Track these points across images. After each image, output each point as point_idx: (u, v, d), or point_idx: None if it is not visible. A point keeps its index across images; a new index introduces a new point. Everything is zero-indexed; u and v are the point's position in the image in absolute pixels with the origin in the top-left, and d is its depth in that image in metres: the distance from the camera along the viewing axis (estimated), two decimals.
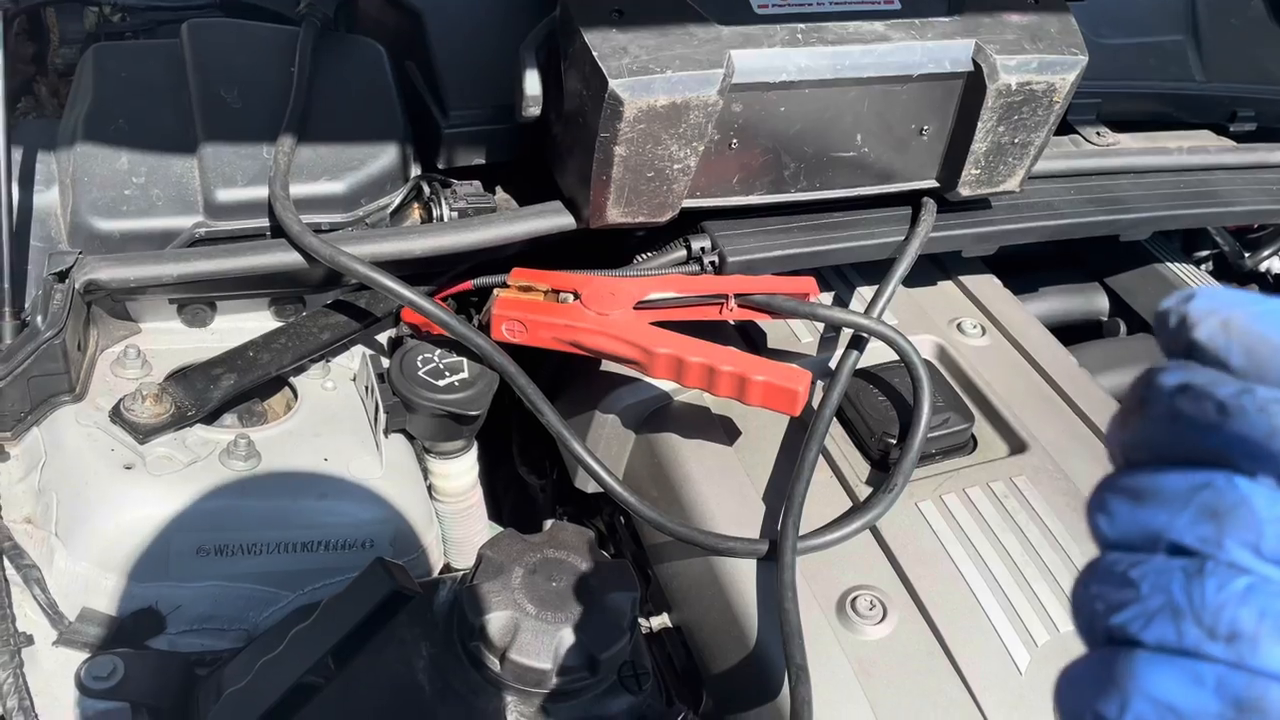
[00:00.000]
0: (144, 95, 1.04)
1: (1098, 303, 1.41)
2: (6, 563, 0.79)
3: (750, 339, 1.10)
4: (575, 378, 1.10)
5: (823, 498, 0.97)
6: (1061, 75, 1.00)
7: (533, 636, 0.77)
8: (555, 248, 1.08)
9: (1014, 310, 1.22)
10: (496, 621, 0.77)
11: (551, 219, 1.03)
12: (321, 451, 0.90)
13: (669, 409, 1.04)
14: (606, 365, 1.04)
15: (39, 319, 0.85)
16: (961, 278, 1.25)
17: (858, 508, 0.95)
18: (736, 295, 0.98)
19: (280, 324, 1.01)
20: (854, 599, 0.88)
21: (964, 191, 1.08)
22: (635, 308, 0.98)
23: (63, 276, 0.88)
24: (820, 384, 1.07)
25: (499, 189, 1.15)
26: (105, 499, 0.82)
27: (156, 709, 0.79)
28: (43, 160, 1.01)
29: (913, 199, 1.11)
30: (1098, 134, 1.33)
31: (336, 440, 0.92)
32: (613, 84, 0.89)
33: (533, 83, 0.97)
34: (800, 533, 0.91)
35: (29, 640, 0.78)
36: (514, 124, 1.03)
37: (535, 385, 0.95)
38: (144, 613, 0.83)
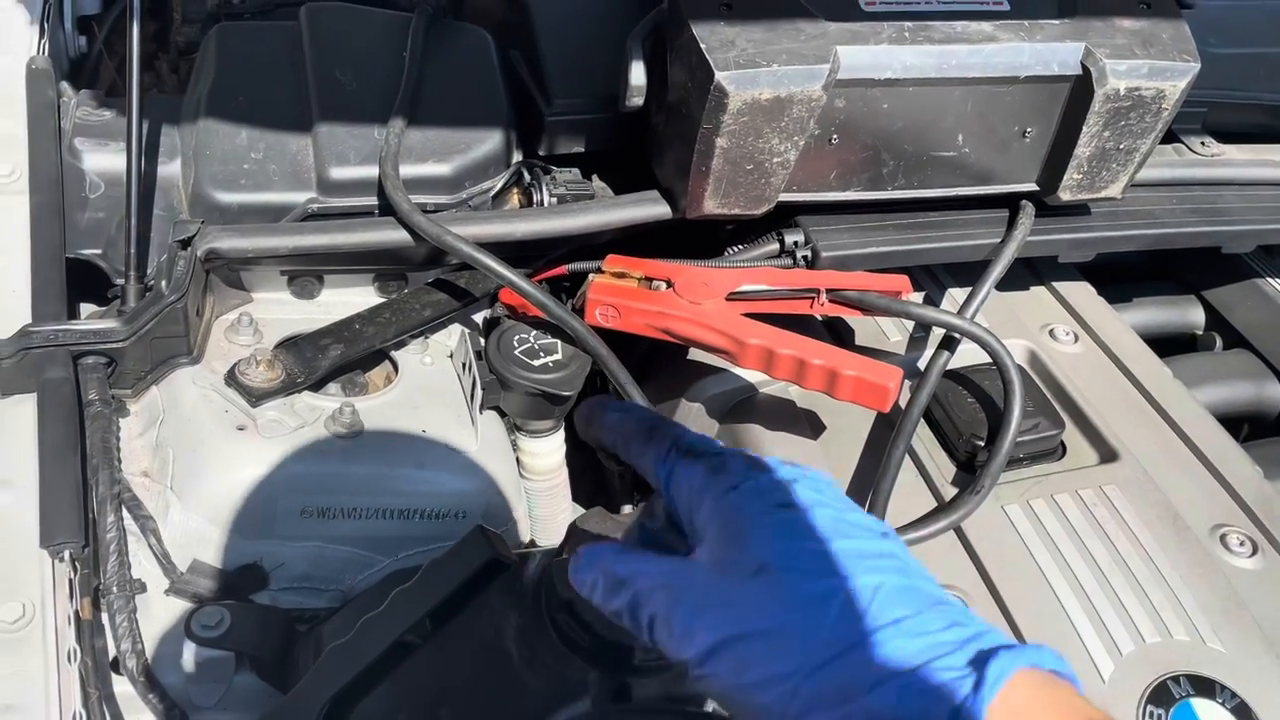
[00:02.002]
0: (263, 75, 1.08)
1: (1193, 316, 1.38)
2: (125, 513, 0.84)
3: (838, 335, 1.10)
4: (662, 365, 1.11)
5: (907, 497, 0.97)
6: (1172, 82, 0.99)
7: None
8: (647, 237, 1.09)
9: (1108, 318, 1.20)
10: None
11: (648, 208, 1.05)
12: (420, 423, 0.93)
13: (754, 400, 1.05)
14: (694, 354, 1.06)
15: (163, 283, 0.89)
16: (1055, 283, 1.23)
17: (943, 508, 0.95)
18: (828, 290, 0.98)
19: (383, 300, 1.04)
20: None
21: (1064, 196, 1.07)
22: (727, 298, 0.99)
23: (186, 244, 0.92)
24: (908, 383, 1.07)
25: (595, 177, 1.17)
26: (218, 457, 0.86)
27: (259, 659, 0.83)
28: (166, 134, 1.06)
29: (1010, 201, 1.11)
30: (1202, 144, 1.31)
31: (434, 413, 0.95)
32: (719, 76, 0.90)
33: (638, 73, 0.99)
34: None
35: (142, 587, 0.83)
36: (615, 113, 1.05)
37: (627, 370, 0.97)
38: (249, 568, 0.86)
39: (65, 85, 1.13)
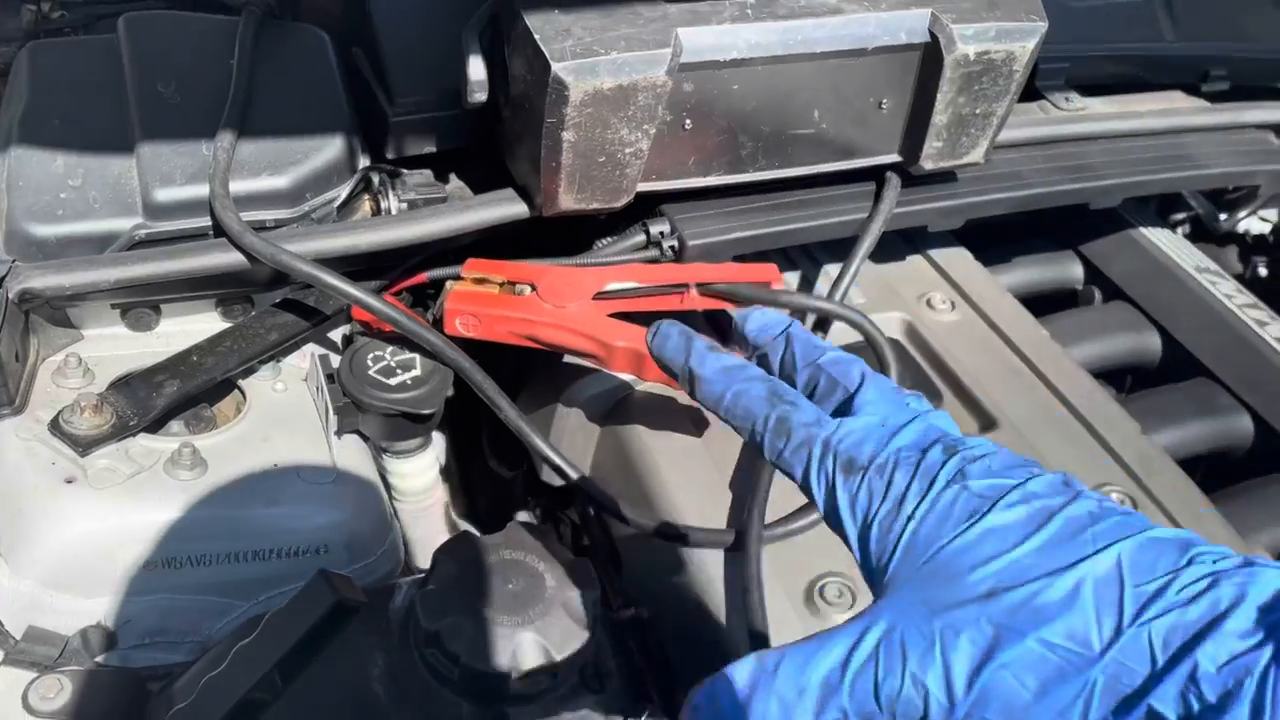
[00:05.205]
0: (81, 94, 1.00)
1: (1072, 271, 1.39)
2: None
3: (719, 327, 1.08)
4: (539, 369, 1.07)
5: (791, 485, 0.94)
6: (1021, 43, 0.98)
7: (490, 641, 0.75)
8: (515, 236, 1.05)
9: (985, 284, 1.20)
10: (452, 627, 0.76)
11: (503, 208, 1.00)
12: (271, 456, 0.88)
13: (633, 399, 1.02)
14: (569, 356, 1.02)
15: None
16: (931, 252, 1.22)
17: None
18: (697, 284, 0.95)
19: (228, 325, 0.98)
20: (822, 587, 0.87)
21: (927, 165, 1.05)
22: (594, 298, 0.95)
23: None
24: None
25: (453, 176, 1.12)
26: (46, 514, 0.80)
27: None
28: None
29: (876, 174, 1.09)
30: (1066, 100, 1.31)
31: (287, 444, 0.90)
32: (556, 68, 0.86)
33: (476, 67, 0.94)
34: (766, 521, 0.89)
35: None
36: (463, 110, 1.00)
37: (492, 380, 0.93)
38: (92, 629, 0.81)
39: None
